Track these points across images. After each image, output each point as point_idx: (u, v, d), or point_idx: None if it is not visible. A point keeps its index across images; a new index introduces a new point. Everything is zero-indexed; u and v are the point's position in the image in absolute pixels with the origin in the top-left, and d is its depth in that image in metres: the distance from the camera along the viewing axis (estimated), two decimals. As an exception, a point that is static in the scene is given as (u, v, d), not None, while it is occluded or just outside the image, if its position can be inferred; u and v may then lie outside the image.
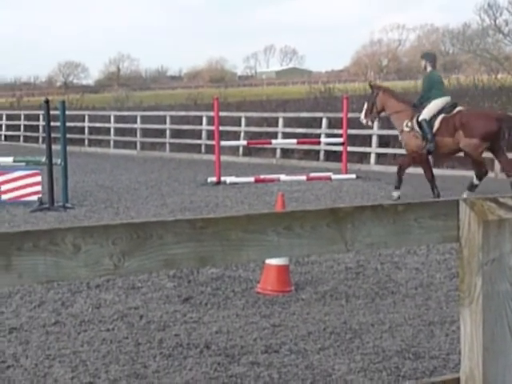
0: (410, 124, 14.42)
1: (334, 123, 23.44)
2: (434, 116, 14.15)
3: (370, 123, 16.08)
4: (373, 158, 22.21)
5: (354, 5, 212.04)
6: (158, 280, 8.36)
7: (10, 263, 1.79)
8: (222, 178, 18.10)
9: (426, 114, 14.14)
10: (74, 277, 1.88)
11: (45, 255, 1.82)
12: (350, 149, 20.50)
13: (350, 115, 20.35)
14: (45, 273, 1.83)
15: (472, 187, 14.05)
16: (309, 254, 2.32)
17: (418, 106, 14.42)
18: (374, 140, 22.22)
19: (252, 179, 18.03)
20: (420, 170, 15.64)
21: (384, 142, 22.32)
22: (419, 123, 14.21)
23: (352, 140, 21.46)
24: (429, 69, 14.71)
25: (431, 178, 14.66)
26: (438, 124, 14.07)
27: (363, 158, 22.60)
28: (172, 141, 29.16)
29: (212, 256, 2.00)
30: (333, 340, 6.24)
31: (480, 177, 14.05)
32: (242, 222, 2.03)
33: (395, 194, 14.72)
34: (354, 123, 22.01)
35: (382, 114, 15.36)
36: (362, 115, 15.47)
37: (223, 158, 20.81)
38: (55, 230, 1.83)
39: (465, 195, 13.01)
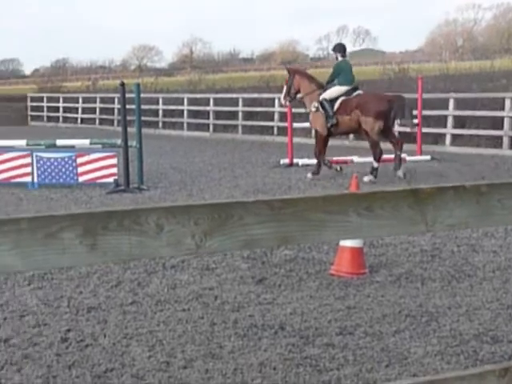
0: (316, 104, 15.82)
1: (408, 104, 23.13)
2: (336, 98, 15.62)
3: (287, 103, 17.26)
4: (448, 139, 21.90)
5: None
6: (232, 261, 8.41)
7: (96, 242, 1.82)
8: (295, 160, 18.08)
9: (327, 94, 15.69)
10: (157, 256, 1.90)
11: (129, 234, 1.84)
12: (424, 130, 20.25)
13: (425, 96, 20.08)
14: (129, 252, 1.86)
15: (373, 170, 15.22)
16: (389, 235, 2.31)
17: (326, 89, 15.89)
18: (450, 121, 21.89)
19: (325, 161, 17.94)
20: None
21: (460, 122, 21.96)
22: (321, 103, 15.68)
23: (427, 121, 21.19)
24: (339, 58, 16.21)
25: (319, 155, 15.96)
26: (338, 105, 15.54)
27: (438, 138, 22.28)
28: (244, 123, 29.23)
29: (292, 236, 2.00)
30: (408, 323, 6.19)
31: (377, 158, 15.26)
32: (322, 203, 2.02)
33: (309, 175, 15.83)
34: (429, 104, 21.75)
35: (299, 95, 16.49)
36: (282, 96, 16.91)
37: (296, 139, 20.78)
38: (139, 209, 1.86)
39: (365, 179, 14.85)
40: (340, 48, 16.46)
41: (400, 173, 15.17)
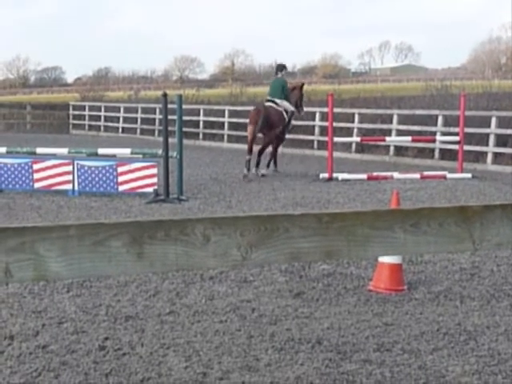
0: None
1: (449, 121, 23.01)
2: None
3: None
4: (490, 157, 21.70)
5: (472, 1, 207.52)
6: (269, 274, 8.40)
7: (143, 251, 1.83)
8: (334, 175, 18.03)
9: None
10: (203, 267, 1.91)
11: (176, 244, 1.85)
12: (466, 147, 20.10)
13: (467, 113, 19.93)
14: (175, 262, 1.86)
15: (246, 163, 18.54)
16: (436, 252, 2.29)
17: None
18: (492, 139, 21.70)
19: (364, 176, 17.91)
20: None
21: (502, 141, 21.77)
22: None
23: (468, 138, 21.04)
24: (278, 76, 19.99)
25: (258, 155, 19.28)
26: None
27: (479, 157, 22.09)
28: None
29: (338, 250, 2.00)
30: (447, 341, 6.13)
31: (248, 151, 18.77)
32: (368, 218, 2.02)
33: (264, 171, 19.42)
34: (471, 121, 21.58)
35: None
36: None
37: (336, 154, 20.72)
38: (186, 220, 1.87)
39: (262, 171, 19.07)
40: (278, 68, 20.19)
41: (263, 171, 19.19)
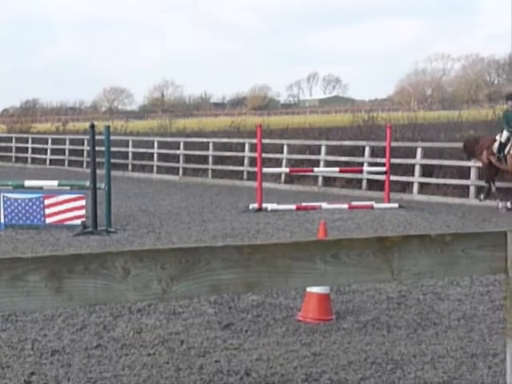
0: None
1: (376, 152, 23.39)
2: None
3: None
4: (416, 187, 22.07)
5: (398, 34, 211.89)
6: (199, 306, 8.37)
7: (61, 285, 1.81)
8: (264, 205, 18.11)
9: None
10: (123, 300, 1.90)
11: (95, 278, 1.84)
12: (392, 178, 20.42)
13: (393, 144, 20.28)
14: (95, 295, 1.85)
15: None
16: (355, 283, 2.32)
17: None
18: (417, 169, 22.10)
19: (293, 207, 18.02)
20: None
21: (428, 171, 22.19)
22: None
23: (395, 169, 21.39)
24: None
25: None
26: None
27: (406, 187, 22.46)
28: (214, 167, 29.28)
29: (259, 282, 2.01)
30: (374, 370, 6.18)
31: None
32: (289, 250, 2.04)
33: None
34: (398, 152, 21.97)
35: None
36: None
37: (265, 184, 20.84)
38: (106, 253, 1.86)
39: None
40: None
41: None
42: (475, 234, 2.33)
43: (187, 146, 31.05)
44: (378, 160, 22.34)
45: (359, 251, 2.13)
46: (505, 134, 17.99)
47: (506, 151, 17.86)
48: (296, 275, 2.08)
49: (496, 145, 18.28)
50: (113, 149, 19.37)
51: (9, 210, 14.97)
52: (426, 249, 2.20)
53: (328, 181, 24.87)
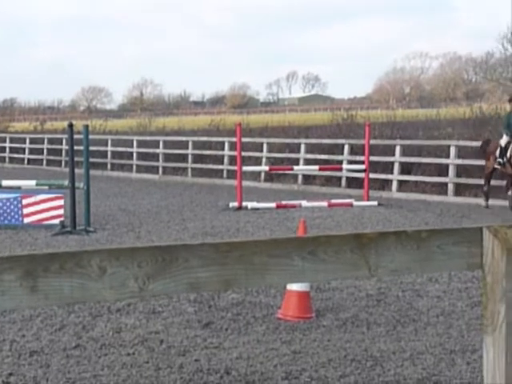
0: None
1: (355, 150, 23.46)
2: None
3: None
4: (394, 184, 22.16)
5: (376, 33, 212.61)
6: (178, 305, 8.36)
7: (37, 284, 1.80)
8: (244, 204, 18.11)
9: None
10: (100, 299, 1.89)
11: (71, 277, 1.83)
12: (371, 175, 20.50)
13: (372, 142, 20.35)
14: (70, 294, 1.84)
15: None
16: (333, 279, 2.33)
17: None
18: (396, 167, 22.19)
19: (273, 205, 18.04)
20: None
21: (406, 168, 22.28)
22: None
23: (374, 167, 21.46)
24: None
25: None
26: None
27: (385, 184, 22.55)
28: (194, 166, 29.25)
29: (236, 279, 2.01)
30: (353, 367, 6.20)
31: None
32: (266, 247, 2.04)
33: None
34: (376, 150, 22.05)
35: None
36: None
37: (245, 183, 20.85)
38: (82, 252, 1.85)
39: None
40: None
41: None
42: (451, 230, 2.34)
43: (167, 144, 30.99)
44: (357, 158, 22.43)
45: (336, 248, 2.13)
46: (504, 138, 17.63)
47: (508, 156, 17.34)
48: (273, 272, 2.08)
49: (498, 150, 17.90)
50: (91, 148, 19.29)
51: (-13, 210, 14.87)
52: (403, 245, 2.21)
53: (308, 179, 24.92)
